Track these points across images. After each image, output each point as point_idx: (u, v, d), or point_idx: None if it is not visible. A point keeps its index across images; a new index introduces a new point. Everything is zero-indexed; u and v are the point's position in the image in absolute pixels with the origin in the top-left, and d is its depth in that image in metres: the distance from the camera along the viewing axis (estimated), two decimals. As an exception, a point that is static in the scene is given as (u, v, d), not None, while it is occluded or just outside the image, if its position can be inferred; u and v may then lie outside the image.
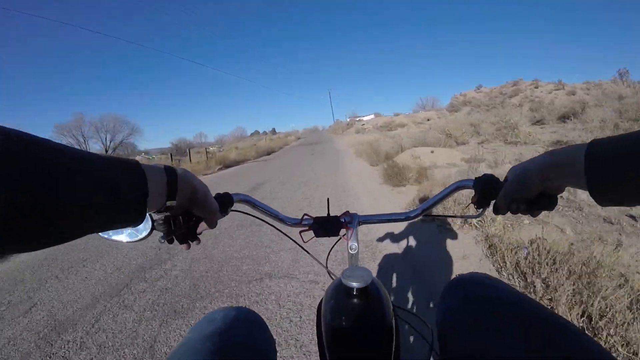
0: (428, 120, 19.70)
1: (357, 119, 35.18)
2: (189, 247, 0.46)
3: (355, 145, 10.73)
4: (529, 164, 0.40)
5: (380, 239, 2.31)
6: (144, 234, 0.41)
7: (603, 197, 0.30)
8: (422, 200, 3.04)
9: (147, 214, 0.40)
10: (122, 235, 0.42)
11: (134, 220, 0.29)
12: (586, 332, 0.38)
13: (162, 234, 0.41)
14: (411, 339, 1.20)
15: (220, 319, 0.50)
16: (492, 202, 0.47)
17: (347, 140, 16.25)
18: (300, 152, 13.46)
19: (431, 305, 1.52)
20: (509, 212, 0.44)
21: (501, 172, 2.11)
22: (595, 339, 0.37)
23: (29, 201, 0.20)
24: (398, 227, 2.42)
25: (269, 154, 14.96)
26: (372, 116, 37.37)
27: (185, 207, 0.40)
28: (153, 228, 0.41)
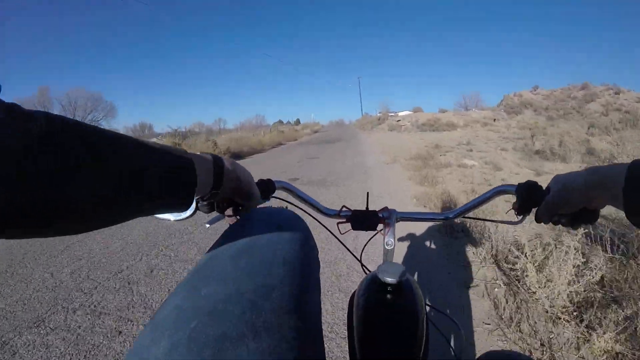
0: (495, 120, 16.32)
1: (391, 114, 28.91)
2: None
3: (391, 149, 7.58)
4: (573, 179, 0.41)
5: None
6: (188, 213, 0.44)
7: (638, 220, 0.31)
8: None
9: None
10: (162, 214, 0.45)
11: (182, 208, 0.31)
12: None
13: (207, 218, 0.45)
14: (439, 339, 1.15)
15: (265, 213, 0.46)
16: (533, 209, 0.48)
17: (377, 139, 12.22)
18: (297, 156, 8.41)
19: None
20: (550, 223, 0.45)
21: None
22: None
23: (88, 183, 0.22)
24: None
25: (251, 155, 9.75)
26: (407, 112, 29.84)
27: (229, 196, 0.42)
28: (197, 209, 0.44)
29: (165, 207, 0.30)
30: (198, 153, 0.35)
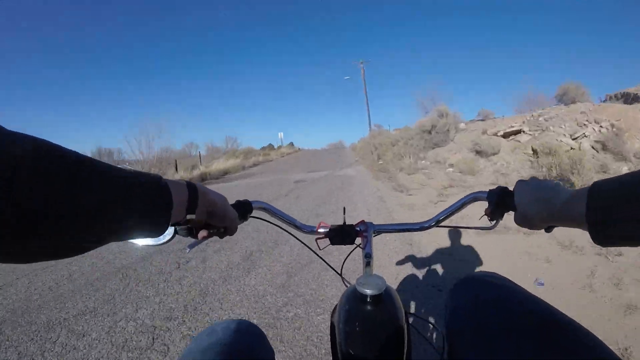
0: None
1: (488, 119, 10.05)
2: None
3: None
4: (534, 207, 0.43)
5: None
6: (167, 237, 0.45)
7: (604, 241, 0.32)
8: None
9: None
10: (142, 240, 0.45)
11: (157, 233, 0.32)
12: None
13: (188, 243, 0.46)
14: (423, 344, 1.17)
15: (220, 331, 0.52)
16: (505, 213, 0.50)
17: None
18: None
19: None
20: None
21: None
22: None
23: (52, 215, 0.22)
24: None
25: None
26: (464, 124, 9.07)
27: (205, 220, 0.43)
28: (175, 233, 0.45)
29: (141, 231, 0.30)
30: (171, 179, 0.36)
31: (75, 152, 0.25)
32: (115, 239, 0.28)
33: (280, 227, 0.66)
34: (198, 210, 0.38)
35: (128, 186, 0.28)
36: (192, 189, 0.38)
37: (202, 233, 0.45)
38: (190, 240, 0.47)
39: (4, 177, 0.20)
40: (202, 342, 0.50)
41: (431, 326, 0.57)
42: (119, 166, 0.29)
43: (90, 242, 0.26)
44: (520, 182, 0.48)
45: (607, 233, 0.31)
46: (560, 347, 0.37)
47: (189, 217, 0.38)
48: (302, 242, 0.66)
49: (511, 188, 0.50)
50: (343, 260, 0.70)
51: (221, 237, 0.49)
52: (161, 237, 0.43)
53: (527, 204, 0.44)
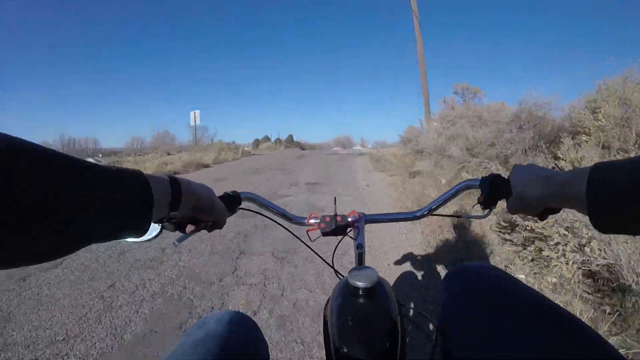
0: None
1: None
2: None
3: None
4: (532, 187, 0.42)
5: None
6: (154, 234, 0.44)
7: (603, 225, 0.30)
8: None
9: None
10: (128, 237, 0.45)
11: (139, 232, 0.30)
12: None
13: (176, 238, 0.45)
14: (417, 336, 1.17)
15: (212, 323, 0.52)
16: (499, 201, 0.49)
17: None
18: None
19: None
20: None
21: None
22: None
23: (25, 216, 0.21)
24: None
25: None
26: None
27: (191, 216, 0.42)
28: (163, 228, 0.44)
29: (122, 229, 0.29)
30: (152, 174, 0.35)
31: (52, 150, 0.24)
32: (95, 241, 0.27)
33: (271, 219, 0.64)
34: (182, 205, 0.37)
35: (107, 185, 0.26)
36: (175, 184, 0.37)
37: (190, 227, 0.44)
38: (179, 234, 0.46)
39: None
40: (193, 336, 0.49)
41: (425, 318, 0.56)
42: (97, 163, 0.28)
43: (64, 247, 0.25)
44: (517, 166, 0.47)
45: (607, 220, 0.29)
46: (553, 337, 0.36)
47: (172, 213, 0.37)
48: (293, 234, 0.65)
49: (504, 175, 0.49)
50: (333, 251, 0.68)
51: (209, 230, 0.48)
52: (147, 234, 0.43)
53: (524, 184, 0.43)
